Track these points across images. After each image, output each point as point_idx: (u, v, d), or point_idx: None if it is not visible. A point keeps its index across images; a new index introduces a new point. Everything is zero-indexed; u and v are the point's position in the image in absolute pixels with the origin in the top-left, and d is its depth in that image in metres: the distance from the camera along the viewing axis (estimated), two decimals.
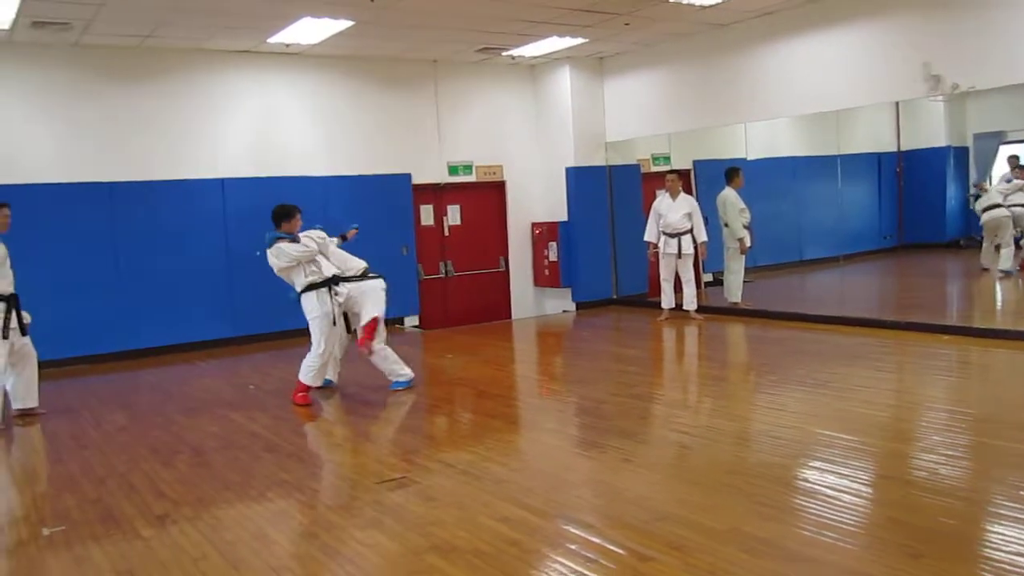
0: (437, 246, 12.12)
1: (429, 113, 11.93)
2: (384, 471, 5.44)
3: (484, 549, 4.10)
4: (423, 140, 11.90)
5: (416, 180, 11.74)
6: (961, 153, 17.06)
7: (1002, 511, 4.34)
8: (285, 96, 11.07)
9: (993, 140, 16.09)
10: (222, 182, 10.61)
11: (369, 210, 11.40)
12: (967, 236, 15.36)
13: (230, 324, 10.68)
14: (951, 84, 8.63)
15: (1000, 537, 4.02)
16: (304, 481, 5.34)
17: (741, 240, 11.18)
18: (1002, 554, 3.81)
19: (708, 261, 12.89)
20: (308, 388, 7.31)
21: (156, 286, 10.24)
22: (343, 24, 9.40)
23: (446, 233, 12.15)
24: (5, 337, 7.03)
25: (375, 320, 7.45)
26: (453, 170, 12.12)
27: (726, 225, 11.32)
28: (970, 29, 8.46)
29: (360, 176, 11.43)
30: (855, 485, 4.78)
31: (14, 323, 7.12)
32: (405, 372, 7.73)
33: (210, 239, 10.57)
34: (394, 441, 6.51)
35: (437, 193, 12.09)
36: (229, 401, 7.80)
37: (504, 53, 11.50)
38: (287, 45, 10.37)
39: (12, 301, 7.13)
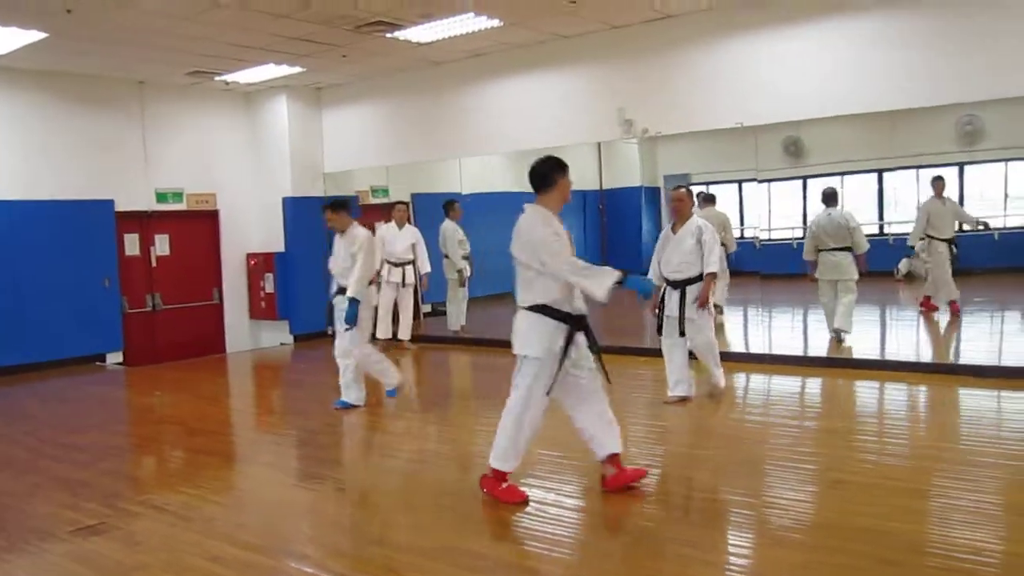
0: (144, 277, 11.41)
1: (134, 136, 11.26)
2: (80, 518, 5.01)
3: None
4: (127, 165, 11.19)
5: (120, 207, 11.01)
6: (654, 193, 18.71)
7: (688, 510, 4.78)
8: None
9: (680, 181, 17.76)
10: None
11: (65, 238, 10.54)
12: None
13: None
14: (642, 128, 9.49)
15: (684, 532, 4.43)
16: None
17: (460, 271, 11.51)
18: (684, 548, 4.20)
19: (430, 292, 13.14)
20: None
21: None
22: (34, 35, 8.66)
23: (154, 264, 11.47)
24: None
25: None
26: (161, 197, 11.49)
27: (446, 256, 11.61)
28: (656, 81, 9.35)
29: (54, 201, 10.52)
30: (561, 498, 5.06)
31: None
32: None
33: None
34: (92, 485, 5.98)
35: (143, 221, 11.40)
36: None
37: (217, 78, 11.13)
38: None
39: None
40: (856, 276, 9.26)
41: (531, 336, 4.75)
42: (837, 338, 9.39)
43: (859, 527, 4.27)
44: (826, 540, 4.14)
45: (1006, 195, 13.61)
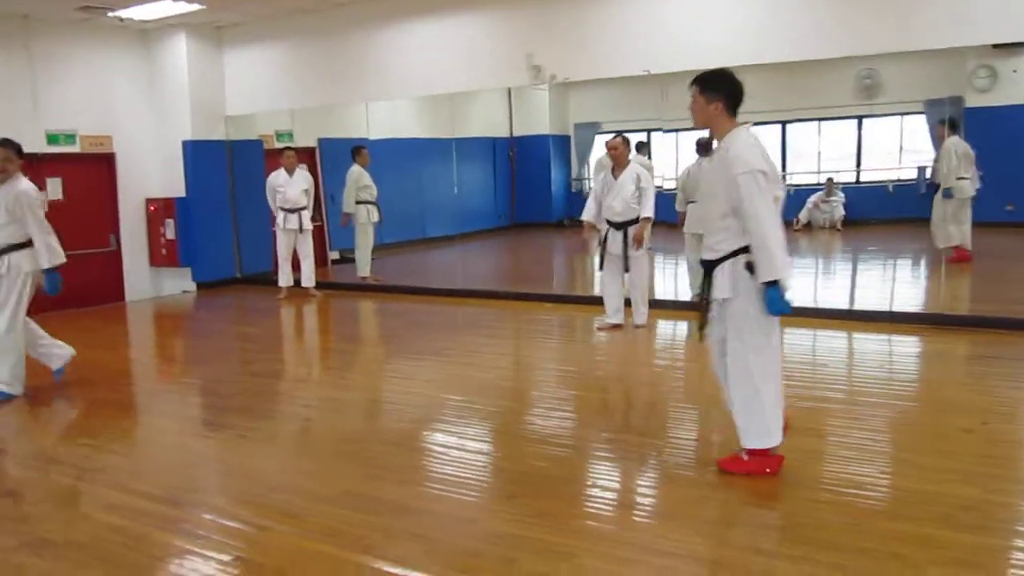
0: None
1: (22, 75, 10.63)
2: None
3: (83, 540, 3.81)
4: (15, 105, 10.56)
5: None
6: (564, 141, 18.76)
7: (588, 451, 4.87)
8: None
9: (590, 130, 17.88)
10: None
11: None
12: (569, 216, 16.98)
13: None
14: (550, 75, 9.42)
15: (583, 473, 4.52)
16: None
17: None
18: (583, 487, 4.29)
19: (336, 238, 12.97)
20: None
21: None
22: None
23: (45, 209, 10.92)
24: None
25: None
26: (53, 139, 10.95)
27: (358, 201, 11.45)
28: (565, 26, 9.27)
29: None
30: (464, 441, 5.10)
31: None
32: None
33: None
34: None
35: (34, 164, 10.86)
36: None
37: (110, 13, 10.58)
38: None
39: None
40: None
41: None
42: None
43: None
44: (713, 477, 4.26)
45: (901, 148, 14.06)
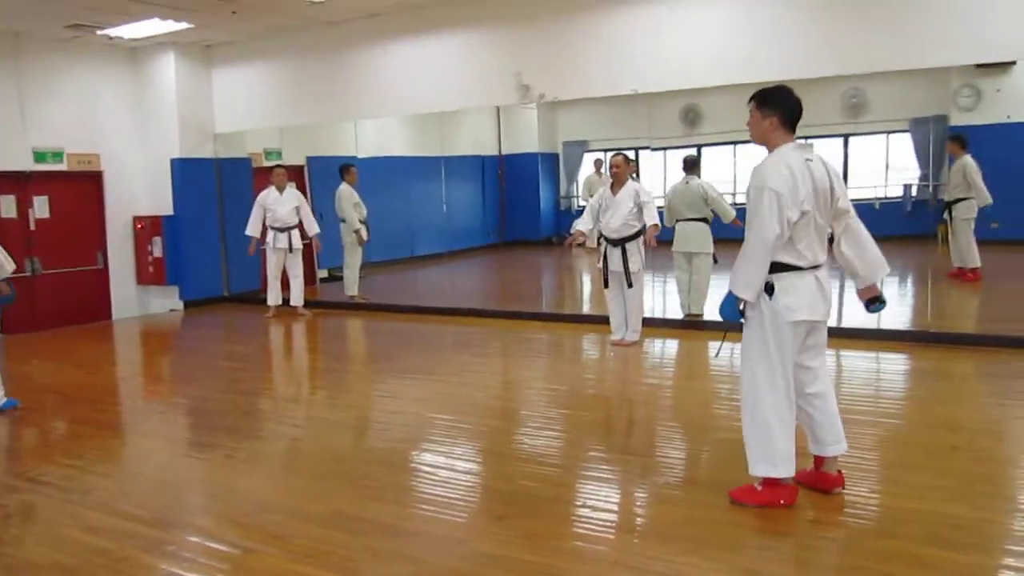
0: (21, 241, 10.83)
1: (9, 93, 10.60)
2: None
3: (67, 563, 3.76)
4: (2, 123, 10.55)
5: None
6: (552, 159, 18.80)
7: (577, 470, 4.85)
8: None
9: (579, 148, 17.95)
10: None
11: None
12: (558, 234, 17.00)
13: None
14: (538, 93, 9.46)
15: (573, 492, 4.50)
16: None
17: (357, 232, 11.32)
18: (573, 507, 4.27)
19: (324, 257, 12.94)
20: None
21: None
22: None
23: (32, 227, 10.91)
24: None
25: None
26: (40, 157, 10.91)
27: (343, 220, 11.41)
28: (553, 46, 9.31)
29: None
30: (453, 461, 5.07)
31: None
32: None
33: None
34: None
35: (21, 182, 10.83)
36: None
37: (99, 32, 10.58)
38: None
39: None
40: (711, 250, 8.82)
41: None
42: (689, 317, 9.04)
43: (736, 483, 4.39)
44: (703, 496, 4.25)
45: (887, 166, 14.16)
